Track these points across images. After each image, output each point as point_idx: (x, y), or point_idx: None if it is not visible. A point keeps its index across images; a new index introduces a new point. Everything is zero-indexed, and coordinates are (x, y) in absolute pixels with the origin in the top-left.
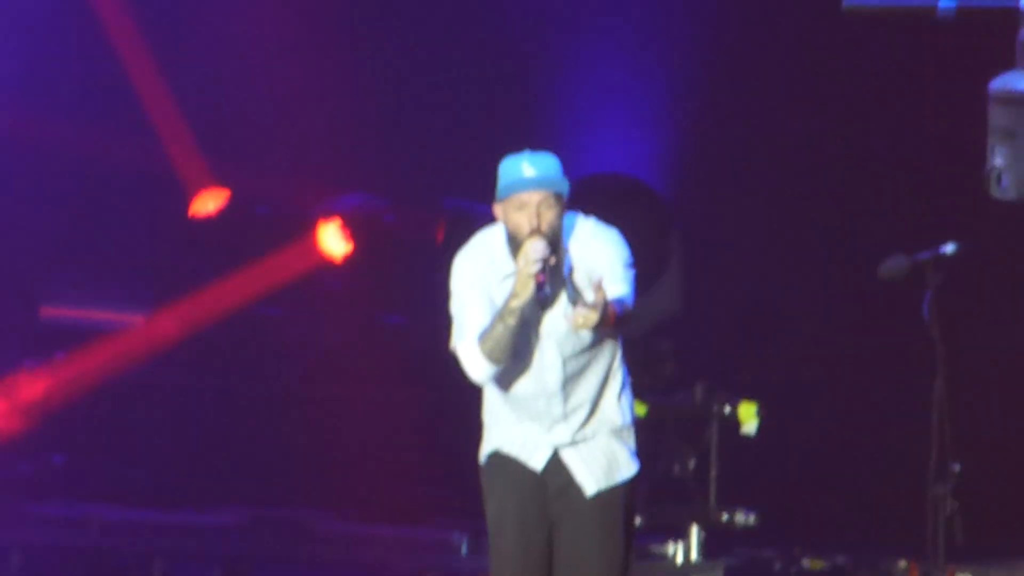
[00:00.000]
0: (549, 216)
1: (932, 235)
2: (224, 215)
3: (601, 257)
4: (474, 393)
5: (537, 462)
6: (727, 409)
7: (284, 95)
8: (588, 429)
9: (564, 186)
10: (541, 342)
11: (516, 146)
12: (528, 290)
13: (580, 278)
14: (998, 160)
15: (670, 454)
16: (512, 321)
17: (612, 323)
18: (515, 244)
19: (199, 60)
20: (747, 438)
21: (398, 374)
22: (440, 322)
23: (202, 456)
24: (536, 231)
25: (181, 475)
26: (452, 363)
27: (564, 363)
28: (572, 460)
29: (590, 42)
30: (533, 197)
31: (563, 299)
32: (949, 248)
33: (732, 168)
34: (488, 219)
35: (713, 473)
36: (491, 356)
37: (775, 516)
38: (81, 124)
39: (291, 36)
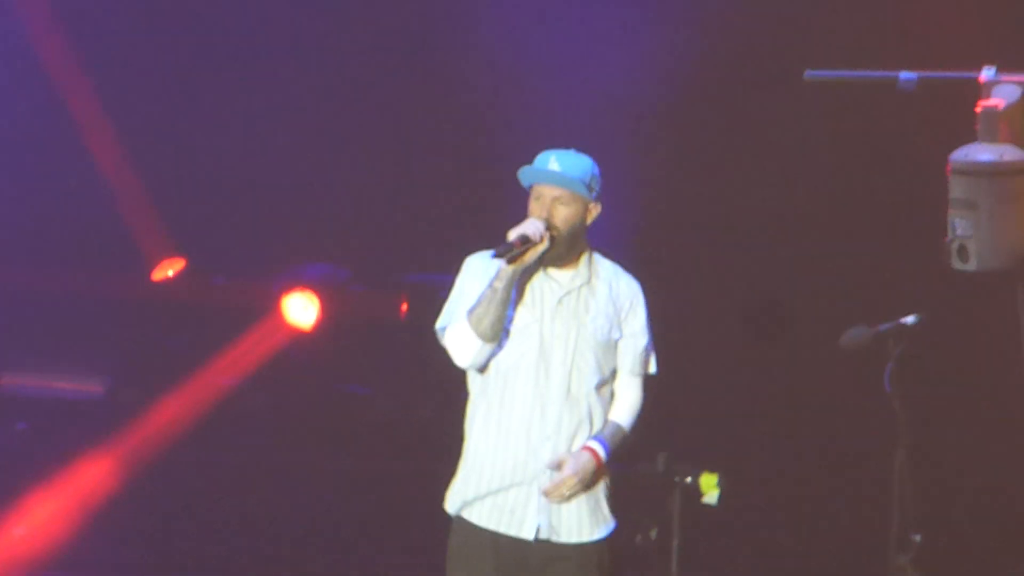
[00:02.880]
0: (563, 213)
1: (893, 307)
2: (181, 283)
3: (630, 307)
4: (438, 462)
5: (527, 532)
6: (688, 479)
7: (241, 165)
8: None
9: (583, 189)
10: (549, 356)
11: (477, 218)
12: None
13: (611, 308)
14: (959, 231)
15: (631, 524)
16: (500, 286)
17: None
18: None
19: (159, 125)
20: (709, 507)
21: (360, 444)
22: (404, 394)
23: (157, 524)
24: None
25: (137, 543)
26: (414, 433)
27: (563, 386)
28: (554, 521)
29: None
30: (550, 191)
31: (584, 308)
32: (910, 320)
33: (691, 236)
34: (449, 289)
35: (675, 543)
36: (478, 327)
37: None
38: (36, 187)
39: (251, 103)
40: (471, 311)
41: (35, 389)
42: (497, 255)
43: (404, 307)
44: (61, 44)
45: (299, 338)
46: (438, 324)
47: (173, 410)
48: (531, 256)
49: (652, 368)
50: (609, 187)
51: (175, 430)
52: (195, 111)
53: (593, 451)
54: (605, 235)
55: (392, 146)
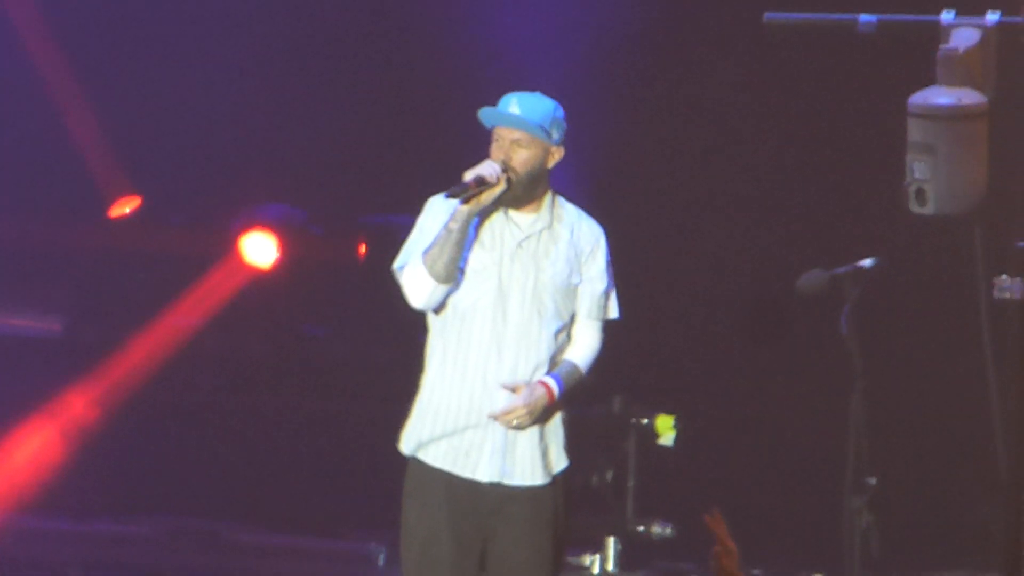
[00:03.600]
0: (522, 155)
1: (850, 250)
2: (137, 222)
3: (590, 252)
4: (395, 404)
5: (481, 474)
6: (644, 421)
7: (199, 105)
8: (528, 429)
9: (542, 132)
10: (506, 302)
11: (438, 159)
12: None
13: (571, 252)
14: (917, 175)
15: (587, 466)
16: (455, 227)
17: (551, 403)
18: None
19: (117, 66)
20: (664, 449)
21: (316, 385)
22: (362, 335)
23: (119, 465)
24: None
25: (97, 484)
26: (370, 374)
27: (521, 329)
28: (508, 464)
29: (513, 54)
30: (509, 133)
31: (544, 252)
32: (867, 263)
33: (651, 180)
34: (410, 230)
35: (630, 484)
36: (433, 268)
37: (692, 528)
38: None
39: (208, 45)
40: (426, 251)
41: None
42: (451, 195)
43: (362, 249)
44: None
45: (257, 278)
46: (395, 263)
47: (135, 352)
48: (487, 198)
49: (613, 313)
50: (572, 132)
51: (137, 372)
52: (151, 49)
53: (547, 386)
54: (567, 178)
55: (349, 85)
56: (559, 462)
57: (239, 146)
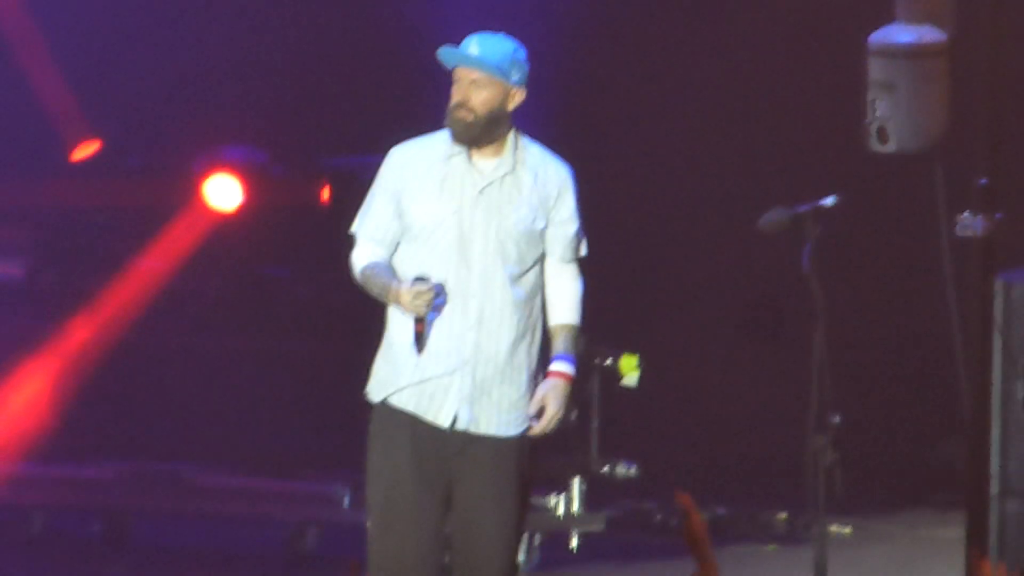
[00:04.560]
0: (480, 96)
1: (812, 188)
2: (96, 163)
3: (557, 195)
4: (357, 346)
5: (444, 419)
6: (608, 361)
7: (155, 45)
8: (495, 375)
9: (500, 73)
10: (469, 249)
11: (395, 97)
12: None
13: (535, 197)
14: (878, 113)
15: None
16: (383, 297)
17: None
18: (449, 118)
19: (74, 9)
20: (628, 390)
21: (278, 326)
22: (324, 277)
23: (79, 408)
24: (419, 283)
25: (58, 427)
26: (333, 316)
27: (486, 276)
28: (475, 412)
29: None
30: (468, 74)
31: (506, 198)
32: (828, 201)
33: (610, 119)
34: (375, 169)
35: (594, 425)
36: (364, 286)
37: (656, 468)
38: None
39: None
40: (363, 272)
41: None
42: (419, 347)
43: (326, 192)
44: None
45: (220, 221)
46: (353, 225)
47: (101, 298)
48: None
49: (582, 252)
50: (533, 74)
51: (102, 317)
52: None
53: (563, 374)
54: (534, 120)
55: (309, 23)
56: (527, 413)
57: (198, 86)
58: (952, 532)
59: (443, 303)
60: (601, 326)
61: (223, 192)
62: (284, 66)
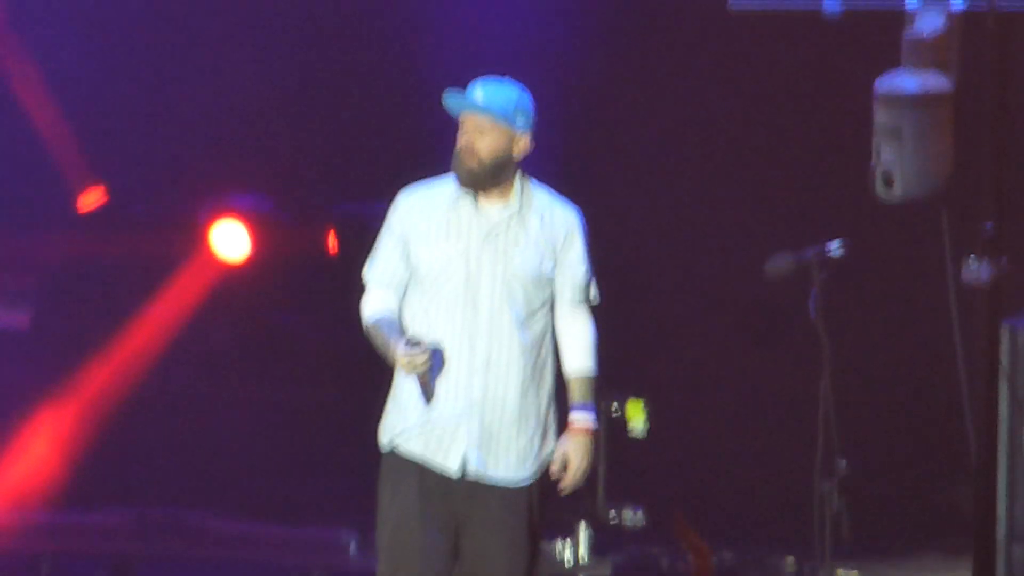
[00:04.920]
0: (485, 141)
1: (818, 233)
2: (102, 213)
3: (565, 238)
4: (364, 393)
5: (452, 464)
6: (615, 407)
7: (163, 95)
8: (504, 420)
9: (505, 119)
10: (477, 295)
11: (400, 143)
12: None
13: (542, 240)
14: (884, 158)
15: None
16: (385, 352)
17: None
18: (455, 164)
19: (81, 60)
20: (635, 436)
21: (285, 374)
22: (332, 324)
23: (86, 456)
24: (412, 346)
25: (67, 475)
26: (340, 363)
27: (493, 322)
28: (484, 457)
29: (477, 43)
30: (473, 120)
31: (513, 242)
32: (834, 246)
33: (618, 166)
34: (381, 216)
35: (601, 471)
36: (369, 337)
37: (662, 514)
38: None
39: (173, 36)
40: (369, 327)
41: None
42: (427, 398)
43: (333, 239)
44: None
45: (228, 269)
46: (365, 269)
47: (110, 348)
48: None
49: (594, 296)
50: (544, 119)
51: (111, 367)
52: (115, 41)
53: (583, 427)
54: (541, 164)
55: (314, 71)
56: (541, 455)
57: (201, 135)
58: None
59: (441, 361)
60: (607, 373)
61: (230, 240)
62: (288, 113)
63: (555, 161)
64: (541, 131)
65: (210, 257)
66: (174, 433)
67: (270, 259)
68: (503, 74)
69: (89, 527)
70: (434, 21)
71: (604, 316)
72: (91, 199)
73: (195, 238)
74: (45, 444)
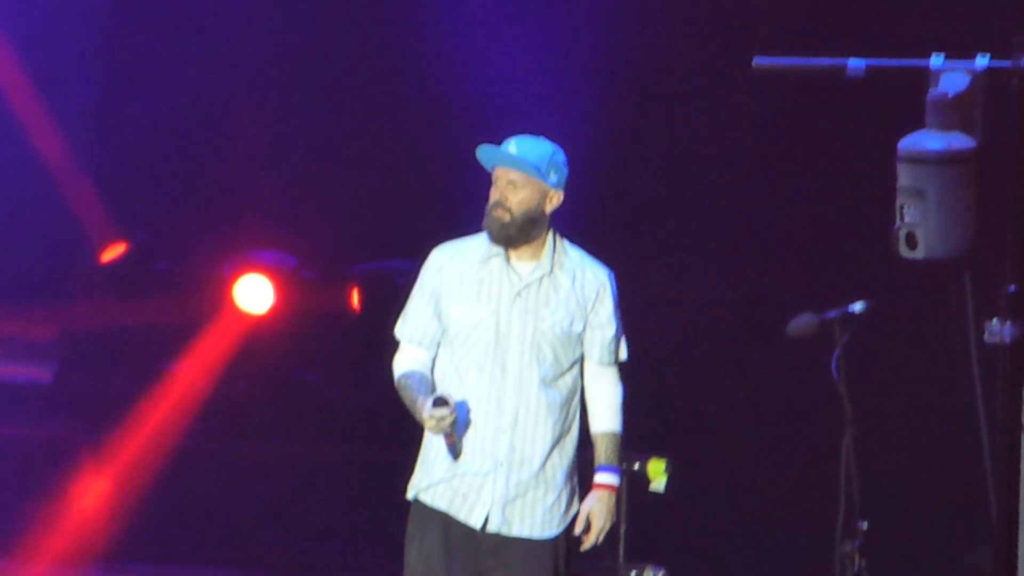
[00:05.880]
0: (518, 196)
1: (841, 295)
2: (123, 268)
3: (596, 298)
4: (386, 449)
5: (476, 520)
6: (636, 465)
7: (186, 153)
8: (530, 479)
9: (538, 174)
10: (506, 353)
11: (420, 202)
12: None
13: (572, 301)
14: (907, 219)
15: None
16: (412, 408)
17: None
18: (487, 218)
19: (103, 112)
20: (657, 493)
21: (308, 430)
22: (353, 382)
23: (105, 513)
24: (438, 405)
25: (87, 532)
26: (363, 420)
27: (522, 380)
28: (507, 515)
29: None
30: (506, 174)
31: (543, 301)
32: (857, 307)
33: (638, 222)
34: (404, 274)
35: (623, 530)
36: (399, 392)
37: (685, 573)
38: None
39: (199, 94)
40: (399, 384)
41: None
42: (455, 456)
43: (356, 297)
44: None
45: (252, 324)
46: (396, 327)
47: (138, 404)
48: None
49: (623, 356)
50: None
51: (142, 425)
52: (137, 95)
53: (608, 486)
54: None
55: (334, 129)
56: (566, 516)
57: (225, 191)
58: None
59: (467, 419)
60: (628, 431)
61: (254, 294)
62: (311, 171)
63: (582, 218)
64: (571, 189)
65: (234, 311)
66: (195, 489)
67: (293, 314)
68: (533, 132)
69: None
70: (459, 79)
71: (625, 373)
72: (113, 254)
73: (219, 293)
74: (85, 500)
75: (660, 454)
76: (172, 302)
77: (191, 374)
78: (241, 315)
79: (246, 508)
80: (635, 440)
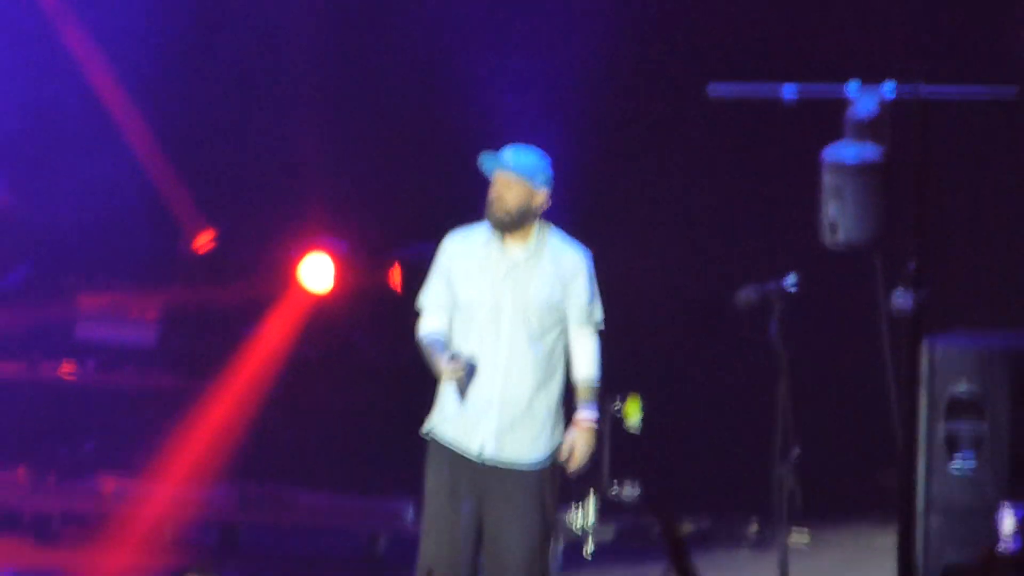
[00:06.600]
0: (511, 193)
1: (777, 269)
2: (211, 253)
3: (572, 276)
4: (420, 396)
5: (476, 448)
6: (616, 404)
7: (252, 147)
8: (518, 416)
9: (527, 177)
10: (500, 317)
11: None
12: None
13: (554, 275)
14: (830, 213)
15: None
16: (432, 362)
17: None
18: (488, 212)
19: (184, 117)
20: (631, 430)
21: (360, 381)
22: (396, 346)
23: (198, 442)
24: (453, 360)
25: (183, 455)
26: (400, 374)
27: (512, 338)
28: (499, 445)
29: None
30: (502, 176)
31: (529, 277)
32: (790, 279)
33: (623, 214)
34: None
35: (606, 458)
36: (421, 350)
37: (652, 488)
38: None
39: (260, 95)
40: (422, 345)
41: (105, 327)
42: (460, 397)
43: (397, 276)
44: (80, 30)
45: (315, 301)
46: (419, 299)
47: (229, 365)
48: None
49: (598, 317)
50: (561, 177)
51: (240, 380)
52: (207, 97)
53: (587, 424)
54: (561, 211)
55: (379, 136)
56: (549, 445)
57: (286, 190)
58: (888, 540)
59: (473, 371)
60: (608, 375)
61: (317, 272)
62: (359, 165)
63: (576, 211)
64: (557, 187)
65: (299, 291)
66: (275, 425)
67: (348, 292)
68: (529, 142)
69: (203, 499)
70: (479, 98)
71: (607, 332)
72: (204, 240)
73: (286, 275)
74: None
75: (635, 392)
76: (251, 282)
77: (271, 338)
78: (307, 295)
79: (311, 440)
80: (613, 385)
